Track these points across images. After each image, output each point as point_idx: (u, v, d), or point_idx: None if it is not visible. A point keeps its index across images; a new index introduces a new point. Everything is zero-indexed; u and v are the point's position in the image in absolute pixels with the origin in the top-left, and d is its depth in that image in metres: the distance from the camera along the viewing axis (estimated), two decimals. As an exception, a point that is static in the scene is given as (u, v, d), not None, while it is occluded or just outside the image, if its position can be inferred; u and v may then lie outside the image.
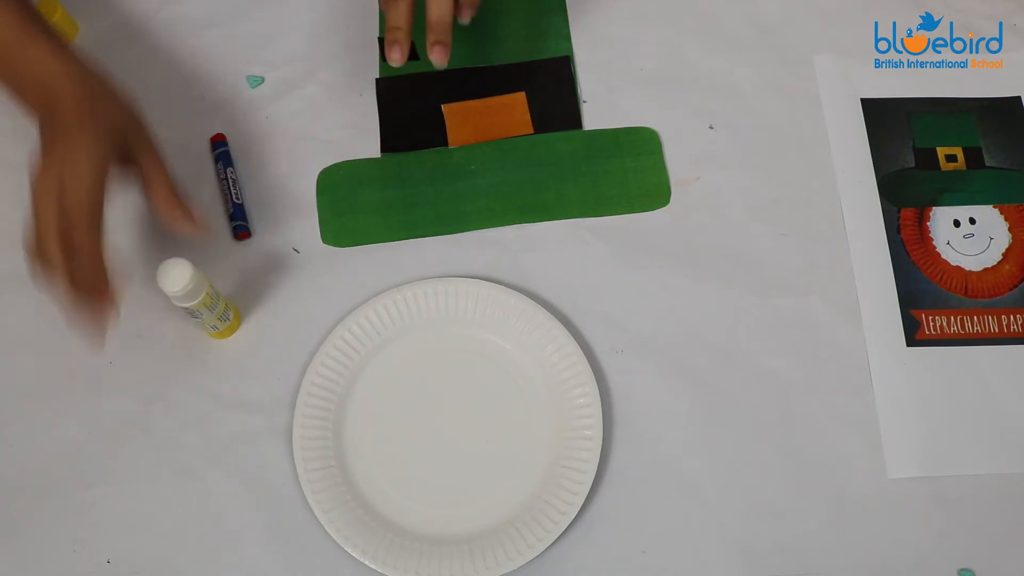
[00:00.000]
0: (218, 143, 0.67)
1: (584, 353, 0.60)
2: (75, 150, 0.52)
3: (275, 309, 0.63)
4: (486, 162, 0.68)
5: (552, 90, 0.70)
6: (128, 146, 0.56)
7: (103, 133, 0.54)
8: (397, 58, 0.58)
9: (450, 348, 0.62)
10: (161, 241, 0.64)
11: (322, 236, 0.65)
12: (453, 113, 0.69)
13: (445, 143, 0.68)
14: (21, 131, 0.68)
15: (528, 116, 0.69)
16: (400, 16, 0.58)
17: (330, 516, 0.56)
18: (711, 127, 0.69)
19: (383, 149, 0.68)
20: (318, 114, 0.69)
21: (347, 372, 0.61)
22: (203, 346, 0.62)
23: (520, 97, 0.70)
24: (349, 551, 0.56)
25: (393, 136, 0.68)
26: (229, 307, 0.60)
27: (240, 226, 0.64)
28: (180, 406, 0.60)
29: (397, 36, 0.58)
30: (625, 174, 0.67)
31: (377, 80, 0.70)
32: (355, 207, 0.66)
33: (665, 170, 0.67)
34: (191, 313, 0.57)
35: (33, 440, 0.60)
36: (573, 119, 0.69)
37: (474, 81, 0.69)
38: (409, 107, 0.70)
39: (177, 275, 0.54)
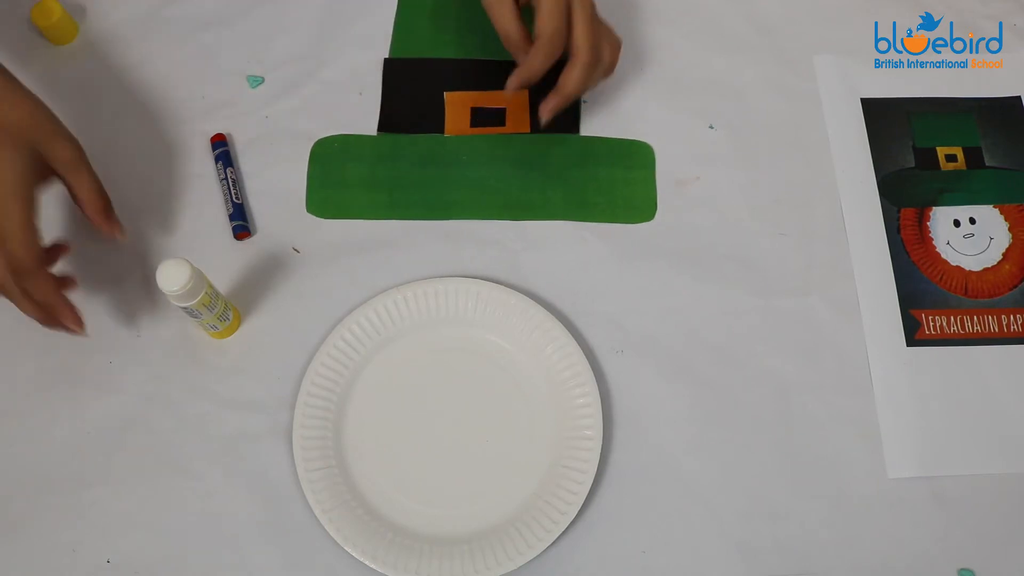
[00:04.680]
0: (218, 143, 0.67)
1: (584, 353, 0.60)
2: None
3: (275, 309, 0.63)
4: (479, 154, 0.68)
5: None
6: (45, 157, 0.56)
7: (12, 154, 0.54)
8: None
9: (450, 348, 0.62)
10: (160, 240, 0.65)
11: (307, 205, 0.66)
12: (454, 101, 0.70)
13: (442, 130, 0.69)
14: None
15: (527, 115, 0.69)
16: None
17: (330, 516, 0.56)
18: (711, 127, 0.69)
19: (380, 128, 0.68)
20: (318, 114, 0.69)
21: (347, 372, 0.61)
22: (203, 346, 0.62)
23: (522, 94, 0.69)
24: (349, 551, 0.56)
25: (392, 116, 0.69)
26: (229, 307, 0.60)
27: (240, 226, 0.64)
28: (180, 406, 0.60)
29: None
30: (613, 184, 0.67)
31: (386, 60, 0.71)
32: (343, 181, 0.66)
33: (654, 186, 0.67)
34: (190, 313, 0.57)
35: (33, 440, 0.60)
36: (572, 119, 0.69)
37: (480, 73, 0.69)
38: (412, 90, 0.70)
39: (176, 274, 0.54)
